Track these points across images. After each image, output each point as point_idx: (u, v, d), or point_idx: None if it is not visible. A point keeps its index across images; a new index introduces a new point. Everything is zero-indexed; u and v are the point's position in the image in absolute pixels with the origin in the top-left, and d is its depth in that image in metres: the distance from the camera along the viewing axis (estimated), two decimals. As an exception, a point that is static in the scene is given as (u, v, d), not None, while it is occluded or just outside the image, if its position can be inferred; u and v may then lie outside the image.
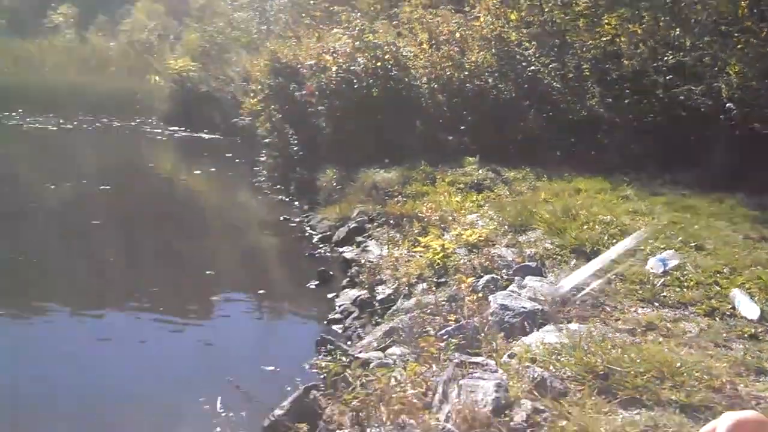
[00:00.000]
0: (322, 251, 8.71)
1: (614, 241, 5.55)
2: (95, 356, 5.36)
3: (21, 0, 43.43)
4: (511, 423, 3.10)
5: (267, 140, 13.23)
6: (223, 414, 3.07)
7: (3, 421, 4.32)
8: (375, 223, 8.26)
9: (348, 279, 7.04)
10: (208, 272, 7.80)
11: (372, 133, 10.61)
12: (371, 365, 4.24)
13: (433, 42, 11.34)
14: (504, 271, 5.41)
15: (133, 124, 22.37)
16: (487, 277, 5.29)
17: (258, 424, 3.99)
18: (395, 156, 9.85)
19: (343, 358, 4.33)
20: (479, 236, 6.08)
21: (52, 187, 11.76)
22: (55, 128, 19.52)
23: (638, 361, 3.46)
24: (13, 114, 20.31)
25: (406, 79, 11.15)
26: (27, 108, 21.48)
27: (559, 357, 3.66)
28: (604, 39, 9.89)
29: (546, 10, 10.83)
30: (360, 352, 4.69)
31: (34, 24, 40.47)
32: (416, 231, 6.89)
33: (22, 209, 10.00)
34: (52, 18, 41.58)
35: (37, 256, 7.75)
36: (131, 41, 36.59)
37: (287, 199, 12.03)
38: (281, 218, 10.51)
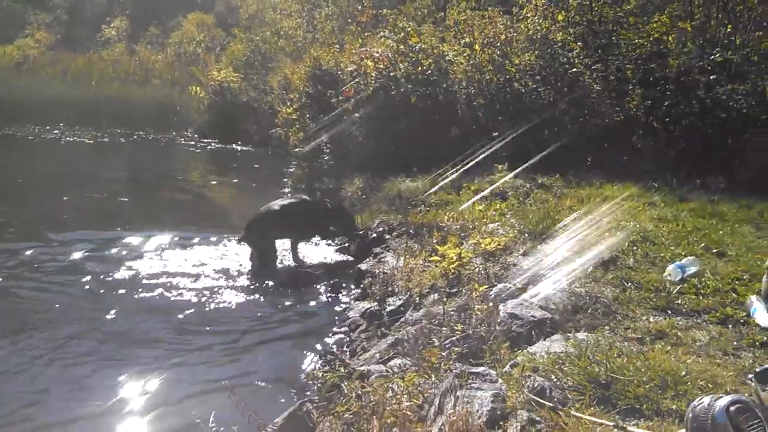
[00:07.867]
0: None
1: (635, 248, 5.49)
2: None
3: (78, 15, 45.28)
4: (504, 435, 3.08)
5: (297, 149, 13.35)
6: (215, 429, 3.12)
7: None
8: (394, 234, 8.12)
9: (360, 291, 7.00)
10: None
11: (405, 141, 10.70)
12: (371, 377, 4.17)
13: (476, 43, 11.31)
14: (519, 279, 5.38)
15: (168, 136, 22.99)
16: (500, 285, 5.28)
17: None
18: (426, 164, 9.81)
19: (342, 370, 4.31)
20: (498, 244, 6.08)
21: (65, 198, 11.96)
22: (91, 141, 20.27)
23: (642, 369, 3.46)
24: (54, 129, 21.42)
25: (445, 85, 11.23)
26: (68, 122, 22.71)
27: (562, 366, 3.65)
28: (652, 38, 10.08)
29: (595, 8, 10.92)
30: (362, 365, 4.61)
31: (90, 38, 42.09)
32: (435, 241, 6.81)
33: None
34: (104, 32, 43.19)
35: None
36: (178, 53, 37.54)
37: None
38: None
